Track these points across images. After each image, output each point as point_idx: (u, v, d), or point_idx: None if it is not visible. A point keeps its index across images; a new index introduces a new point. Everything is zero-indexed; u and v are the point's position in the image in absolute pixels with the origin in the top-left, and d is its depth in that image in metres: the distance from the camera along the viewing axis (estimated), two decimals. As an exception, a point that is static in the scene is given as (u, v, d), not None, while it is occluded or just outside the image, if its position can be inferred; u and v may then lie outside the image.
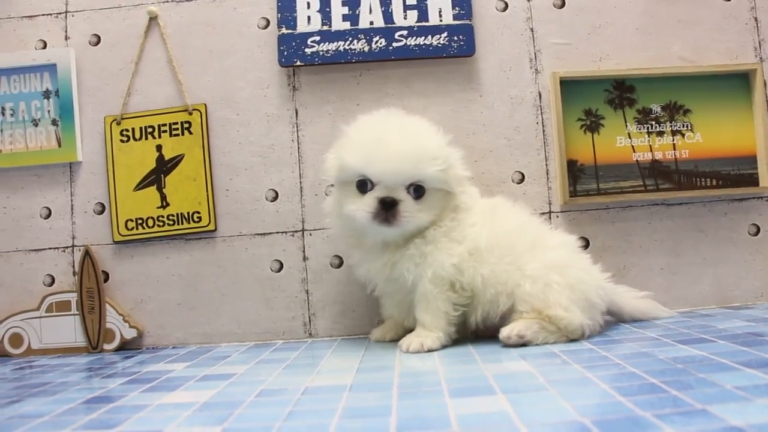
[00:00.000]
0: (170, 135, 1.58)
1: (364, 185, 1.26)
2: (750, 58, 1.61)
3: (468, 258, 1.28)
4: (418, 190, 1.27)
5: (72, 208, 1.59)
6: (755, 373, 0.87)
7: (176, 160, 1.58)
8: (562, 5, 1.60)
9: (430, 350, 1.25)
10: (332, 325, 1.55)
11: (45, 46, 1.61)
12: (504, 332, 1.22)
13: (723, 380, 0.84)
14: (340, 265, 1.56)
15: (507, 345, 1.21)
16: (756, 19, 1.62)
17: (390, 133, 1.27)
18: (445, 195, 1.30)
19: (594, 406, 0.78)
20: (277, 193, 1.57)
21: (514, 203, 1.41)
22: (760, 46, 1.61)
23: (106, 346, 1.53)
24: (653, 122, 1.58)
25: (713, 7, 1.61)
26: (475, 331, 1.33)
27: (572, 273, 1.27)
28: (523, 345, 1.21)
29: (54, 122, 1.59)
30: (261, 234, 1.57)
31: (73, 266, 1.58)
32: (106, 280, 1.57)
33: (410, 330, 1.34)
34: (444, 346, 1.27)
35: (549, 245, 1.32)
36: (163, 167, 1.58)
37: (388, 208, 1.24)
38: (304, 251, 1.56)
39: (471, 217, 1.32)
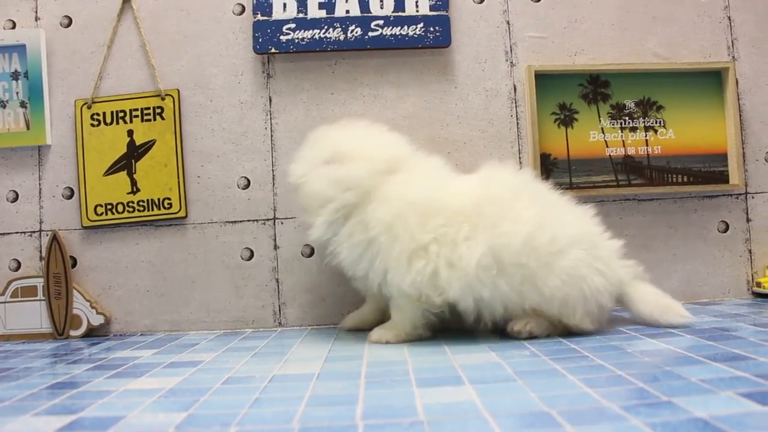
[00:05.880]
0: (142, 120, 1.56)
1: None
2: (723, 57, 1.63)
3: (448, 272, 1.18)
4: None
5: (40, 192, 1.57)
6: (720, 366, 0.88)
7: (147, 146, 1.56)
8: (539, -1, 1.61)
9: (388, 343, 1.24)
10: (302, 315, 1.54)
11: (14, 27, 1.58)
12: (516, 327, 1.20)
13: (689, 373, 0.85)
14: (311, 254, 1.55)
15: (515, 337, 1.20)
16: (729, 18, 1.63)
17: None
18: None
19: (561, 397, 0.78)
20: (249, 181, 1.56)
21: (513, 178, 1.28)
22: (733, 45, 1.63)
23: (73, 333, 1.51)
24: (627, 118, 1.59)
25: (688, 5, 1.62)
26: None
27: (589, 282, 1.18)
28: (530, 338, 1.20)
29: (23, 104, 1.56)
30: (232, 222, 1.55)
31: (40, 251, 1.55)
32: (74, 265, 1.55)
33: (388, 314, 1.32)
34: (408, 342, 1.25)
35: (565, 244, 1.19)
36: (134, 152, 1.56)
37: None
38: (275, 240, 1.55)
39: (428, 218, 1.19)
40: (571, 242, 1.19)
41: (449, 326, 1.30)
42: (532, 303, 1.18)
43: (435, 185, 1.26)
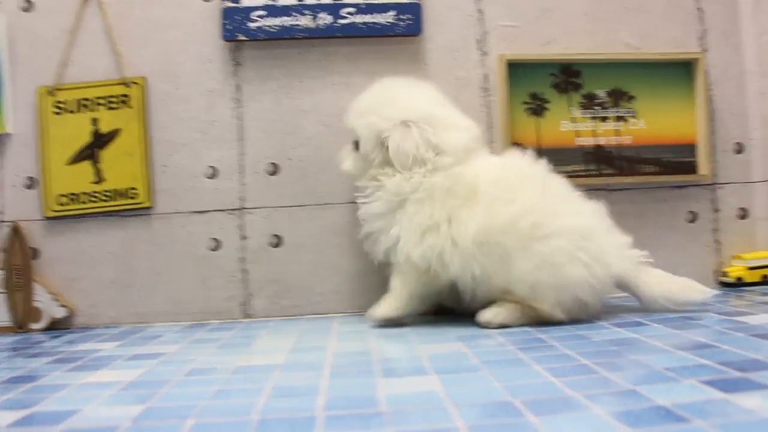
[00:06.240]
0: (107, 108, 1.53)
1: None
2: (693, 47, 1.63)
3: (452, 250, 1.21)
4: (357, 142, 1.33)
5: (0, 182, 1.53)
6: (685, 354, 0.88)
7: (113, 135, 1.52)
8: (511, -13, 1.59)
9: (384, 318, 1.28)
10: (270, 306, 1.52)
11: (-26, 11, 1.54)
12: (486, 316, 1.21)
13: (653, 362, 0.85)
14: (279, 244, 1.53)
15: (485, 327, 1.21)
16: (700, 9, 1.63)
17: (374, 88, 1.36)
18: (378, 155, 1.29)
19: (525, 387, 0.77)
20: (216, 170, 1.53)
21: (527, 165, 1.30)
22: (703, 35, 1.63)
23: (34, 326, 1.47)
24: (598, 107, 1.59)
25: (659, -5, 1.63)
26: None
27: (566, 271, 1.18)
28: (501, 327, 1.20)
29: (-18, 91, 1.52)
30: (199, 212, 1.53)
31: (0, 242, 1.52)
32: (36, 257, 1.51)
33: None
34: (406, 316, 1.29)
35: (550, 232, 1.19)
36: (99, 141, 1.52)
37: None
38: (242, 230, 1.53)
39: (451, 197, 1.23)
40: (556, 231, 1.19)
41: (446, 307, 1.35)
42: (503, 283, 1.19)
43: (479, 168, 1.28)
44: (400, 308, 1.28)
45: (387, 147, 1.27)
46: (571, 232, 1.20)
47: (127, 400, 0.82)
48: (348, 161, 1.37)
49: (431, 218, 1.22)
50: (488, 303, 1.23)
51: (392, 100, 1.30)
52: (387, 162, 1.28)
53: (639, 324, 1.14)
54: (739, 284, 1.56)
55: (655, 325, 1.12)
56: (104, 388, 0.88)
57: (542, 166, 1.30)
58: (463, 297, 1.27)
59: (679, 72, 1.61)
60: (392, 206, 1.26)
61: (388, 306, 1.29)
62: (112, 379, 0.95)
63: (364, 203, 1.32)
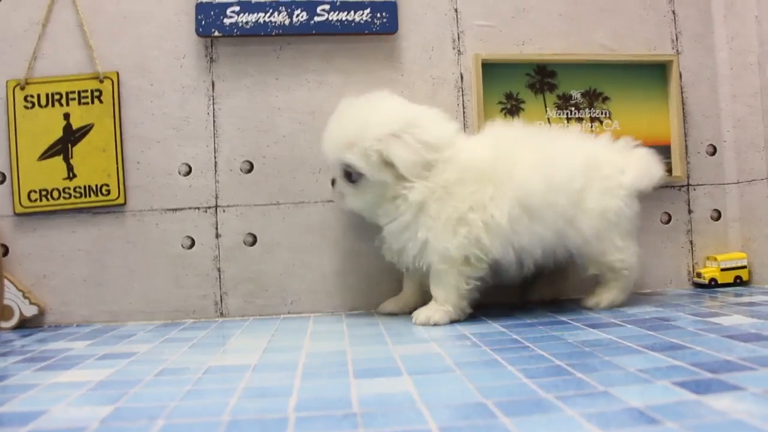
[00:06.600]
0: (79, 103, 1.50)
1: None
2: (667, 50, 1.64)
3: (487, 235, 1.24)
4: (349, 174, 1.28)
5: (-31, 177, 1.50)
6: (658, 356, 0.88)
7: (85, 130, 1.50)
8: (487, -13, 1.59)
9: (436, 324, 1.26)
10: (244, 305, 1.51)
11: (-58, 3, 1.51)
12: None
13: (627, 363, 0.85)
14: (254, 242, 1.52)
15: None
16: (674, 12, 1.65)
17: (337, 116, 1.31)
18: (389, 174, 1.26)
19: (498, 388, 0.77)
20: (190, 168, 1.52)
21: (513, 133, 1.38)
22: (677, 38, 1.64)
23: (4, 324, 1.45)
24: (573, 108, 1.59)
25: (634, -3, 1.64)
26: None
27: (614, 207, 1.36)
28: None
29: (-49, 85, 1.49)
30: (172, 209, 1.51)
31: (-30, 238, 1.49)
32: (6, 254, 1.49)
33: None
34: (454, 321, 1.28)
35: (581, 183, 1.33)
36: (71, 137, 1.50)
37: (333, 186, 1.36)
38: (216, 228, 1.51)
39: (465, 186, 1.25)
40: (583, 177, 1.33)
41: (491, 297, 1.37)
42: (570, 239, 1.32)
43: (472, 149, 1.32)
44: (449, 312, 1.27)
45: (392, 163, 1.24)
46: (590, 167, 1.35)
47: (97, 401, 0.80)
48: (350, 199, 1.33)
49: (456, 210, 1.24)
50: (538, 264, 1.33)
51: (366, 120, 1.26)
52: (400, 176, 1.26)
53: (613, 325, 1.15)
54: (712, 285, 1.58)
55: (629, 326, 1.13)
56: (73, 388, 0.87)
57: (519, 126, 1.41)
58: (504, 276, 1.32)
59: (653, 74, 1.63)
60: (414, 214, 1.26)
61: (437, 314, 1.27)
62: (81, 378, 0.93)
63: (388, 223, 1.30)
